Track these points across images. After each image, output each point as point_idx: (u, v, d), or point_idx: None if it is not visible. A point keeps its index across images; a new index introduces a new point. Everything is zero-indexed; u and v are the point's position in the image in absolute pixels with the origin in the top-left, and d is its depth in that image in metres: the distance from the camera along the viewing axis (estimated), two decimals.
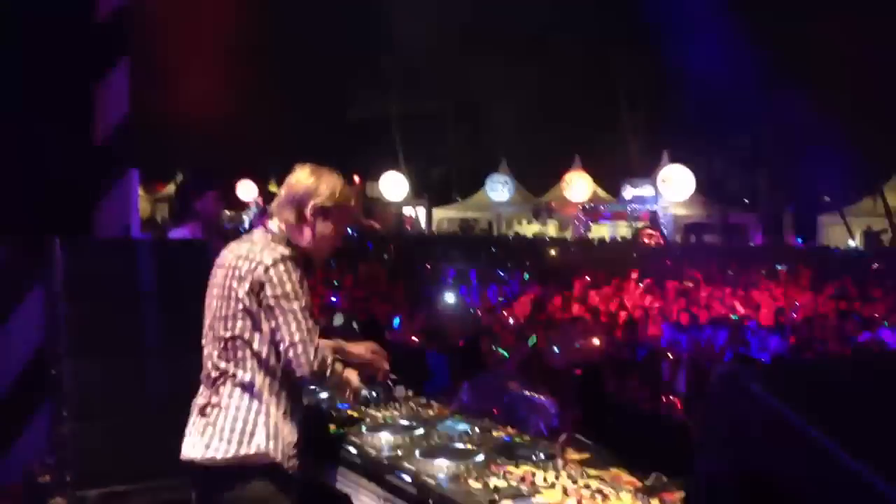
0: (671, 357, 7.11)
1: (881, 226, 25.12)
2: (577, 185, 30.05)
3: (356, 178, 35.62)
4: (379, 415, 3.85)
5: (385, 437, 3.41)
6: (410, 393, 4.21)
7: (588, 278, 13.25)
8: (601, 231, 30.29)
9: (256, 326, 3.04)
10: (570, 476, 2.99)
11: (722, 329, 9.05)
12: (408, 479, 3.03)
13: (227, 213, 29.09)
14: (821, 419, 1.74)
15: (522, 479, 2.95)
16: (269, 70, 29.31)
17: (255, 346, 3.05)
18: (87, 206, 5.69)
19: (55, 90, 5.55)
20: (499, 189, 32.39)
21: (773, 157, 27.85)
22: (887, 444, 1.78)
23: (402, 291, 12.06)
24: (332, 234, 3.25)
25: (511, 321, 9.52)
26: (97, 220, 5.71)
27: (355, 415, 3.81)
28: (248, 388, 3.04)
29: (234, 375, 3.06)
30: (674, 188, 27.27)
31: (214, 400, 3.08)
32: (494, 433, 3.58)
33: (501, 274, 14.87)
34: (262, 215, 3.56)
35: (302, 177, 3.23)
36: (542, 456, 3.21)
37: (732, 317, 10.11)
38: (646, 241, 24.17)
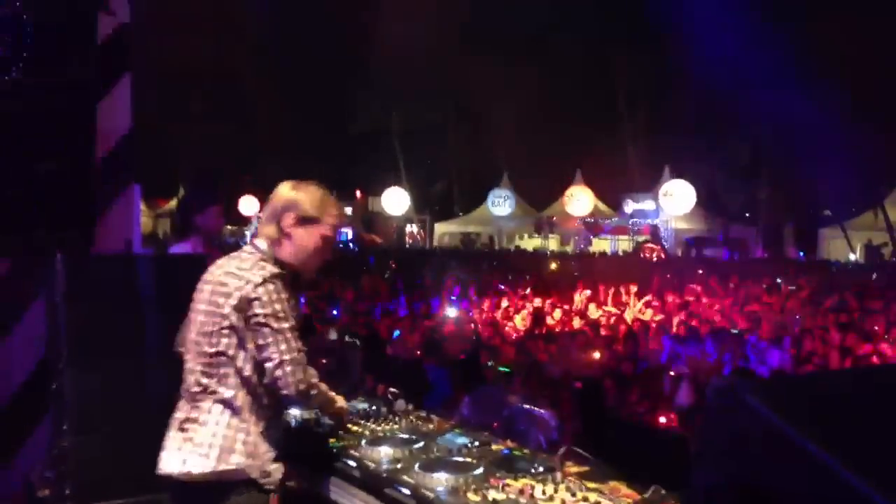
0: (671, 371, 7.11)
1: (882, 239, 25.13)
2: (579, 200, 30.11)
3: (358, 193, 35.71)
4: (378, 428, 3.85)
5: (384, 451, 3.42)
6: (410, 406, 4.21)
7: (589, 292, 13.27)
8: (602, 245, 30.31)
9: (241, 344, 3.03)
10: (568, 489, 2.99)
11: (722, 343, 9.04)
12: (407, 492, 3.03)
13: (229, 228, 29.19)
14: (817, 432, 1.75)
15: (521, 493, 2.96)
16: (271, 87, 29.44)
17: (239, 363, 3.04)
18: (89, 220, 5.71)
19: (58, 106, 5.58)
20: (500, 203, 32.45)
21: (773, 170, 27.87)
22: (885, 457, 1.79)
23: (403, 305, 12.07)
24: (315, 245, 3.21)
25: (512, 335, 9.53)
26: (99, 234, 5.72)
27: (356, 428, 3.81)
28: (228, 404, 3.04)
29: (215, 392, 3.05)
30: (675, 202, 27.31)
31: (194, 415, 3.07)
32: (494, 446, 3.57)
33: (502, 288, 14.88)
34: None
35: (283, 191, 3.23)
36: (540, 469, 3.22)
37: (733, 330, 10.10)
38: (647, 255, 24.18)
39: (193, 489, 3.03)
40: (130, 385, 4.29)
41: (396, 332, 9.28)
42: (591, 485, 3.06)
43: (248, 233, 29.04)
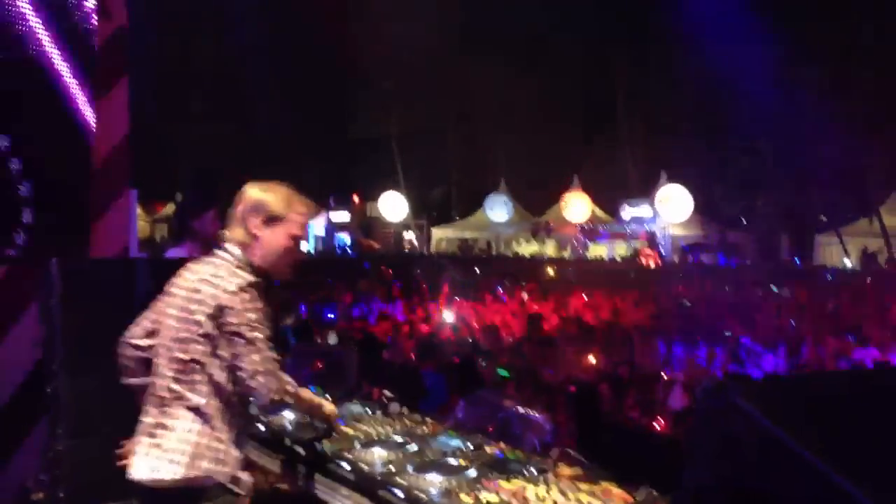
0: (666, 375, 7.12)
1: (877, 245, 25.14)
2: (576, 206, 30.15)
3: (356, 199, 35.72)
4: (373, 431, 3.86)
5: (378, 453, 3.44)
6: (405, 410, 4.23)
7: (585, 297, 13.29)
8: (599, 251, 30.31)
9: (214, 352, 3.00)
10: (561, 491, 3.01)
11: (717, 347, 9.07)
12: (400, 494, 3.05)
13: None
14: (808, 435, 1.76)
15: (514, 494, 2.97)
16: (270, 90, 29.45)
17: (211, 370, 3.01)
18: (86, 225, 5.72)
19: (55, 110, 5.59)
20: (498, 209, 32.47)
21: (770, 177, 27.89)
22: (876, 459, 1.81)
23: (399, 310, 12.08)
24: (284, 245, 3.15)
25: (508, 339, 9.54)
26: (95, 238, 5.73)
27: (350, 431, 3.83)
28: (199, 412, 3.00)
29: (186, 398, 3.01)
30: (672, 208, 27.32)
31: (164, 421, 3.02)
32: (487, 449, 3.59)
33: (499, 292, 14.90)
34: None
35: (248, 192, 3.18)
36: (533, 471, 3.24)
37: (727, 335, 10.12)
38: (643, 260, 24.22)
39: (163, 496, 2.99)
40: (125, 389, 4.29)
41: (392, 337, 9.28)
42: (584, 486, 3.08)
43: None
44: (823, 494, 1.70)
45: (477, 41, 30.63)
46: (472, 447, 3.59)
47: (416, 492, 3.01)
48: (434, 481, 3.07)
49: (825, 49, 23.80)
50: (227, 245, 3.15)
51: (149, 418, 3.09)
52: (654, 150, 29.70)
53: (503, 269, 20.90)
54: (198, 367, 3.01)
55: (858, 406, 2.01)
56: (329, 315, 11.12)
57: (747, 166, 27.92)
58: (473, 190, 34.71)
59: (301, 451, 3.68)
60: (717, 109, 25.69)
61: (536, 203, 33.22)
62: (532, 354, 7.92)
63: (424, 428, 3.97)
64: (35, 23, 5.51)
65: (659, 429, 5.90)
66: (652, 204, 28.10)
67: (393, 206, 33.23)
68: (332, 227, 35.40)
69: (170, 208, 31.03)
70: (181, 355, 3.02)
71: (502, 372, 7.15)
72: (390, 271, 18.90)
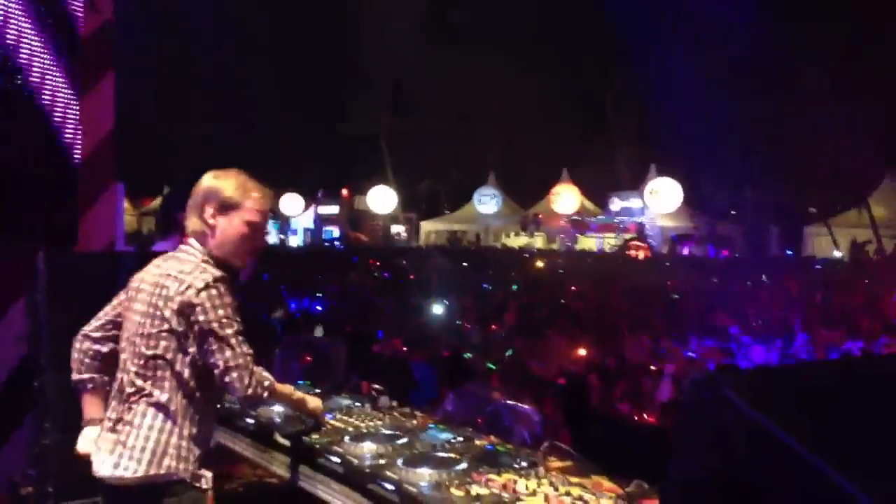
0: (655, 367, 7.13)
1: (866, 236, 25.27)
2: (565, 198, 30.23)
3: (344, 192, 35.68)
4: (362, 424, 3.86)
5: (368, 446, 3.42)
6: (394, 403, 4.22)
7: (574, 289, 13.29)
8: (588, 243, 30.39)
9: (181, 348, 2.95)
10: (551, 484, 3.01)
11: (707, 339, 9.08)
12: (390, 487, 3.04)
13: None
14: (798, 425, 1.75)
15: (504, 487, 2.96)
16: (261, 84, 29.41)
17: (177, 366, 2.96)
18: (72, 219, 5.70)
19: (41, 104, 5.56)
20: (487, 202, 32.52)
21: (760, 168, 27.98)
22: (866, 450, 1.80)
23: (388, 303, 12.07)
24: (240, 233, 3.09)
25: (498, 332, 9.54)
26: (82, 232, 5.71)
27: (339, 424, 3.82)
28: (162, 408, 2.94)
29: (150, 394, 2.96)
30: (661, 200, 27.41)
31: (127, 417, 2.96)
32: (477, 442, 3.59)
33: (487, 285, 14.90)
34: None
35: (203, 181, 3.12)
36: (523, 464, 3.23)
37: (717, 327, 10.14)
38: (633, 252, 24.27)
39: (126, 493, 2.95)
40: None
41: (382, 330, 9.27)
42: (574, 479, 3.07)
43: None
44: (813, 485, 1.69)
45: (469, 38, 30.66)
46: (461, 440, 3.58)
47: (407, 485, 3.00)
48: (424, 474, 3.06)
49: (818, 46, 23.86)
50: (190, 240, 3.10)
51: (112, 413, 3.03)
52: (644, 143, 29.75)
53: (492, 261, 20.91)
54: (163, 363, 2.96)
55: (848, 396, 2.01)
56: (317, 308, 11.10)
57: (737, 158, 28.01)
58: (463, 183, 34.75)
59: (290, 444, 3.66)
60: (706, 101, 25.74)
61: (526, 196, 33.29)
62: (521, 346, 7.92)
63: (414, 421, 3.96)
64: (21, 16, 5.47)
65: (648, 420, 5.91)
66: (641, 196, 28.17)
67: (381, 199, 33.20)
68: (321, 221, 35.41)
69: (157, 202, 30.96)
70: (146, 351, 2.97)
71: (490, 365, 7.16)
72: (378, 263, 18.89)
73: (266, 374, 3.09)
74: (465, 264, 19.02)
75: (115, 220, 6.15)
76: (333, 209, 35.46)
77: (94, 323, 3.27)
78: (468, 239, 32.44)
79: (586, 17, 29.72)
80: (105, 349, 3.22)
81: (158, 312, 2.96)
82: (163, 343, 2.95)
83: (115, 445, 2.96)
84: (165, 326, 2.95)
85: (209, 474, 3.04)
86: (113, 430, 3.00)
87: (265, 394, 3.04)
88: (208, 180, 3.11)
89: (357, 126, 35.69)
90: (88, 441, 3.17)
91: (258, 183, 3.15)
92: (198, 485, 2.98)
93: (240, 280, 3.18)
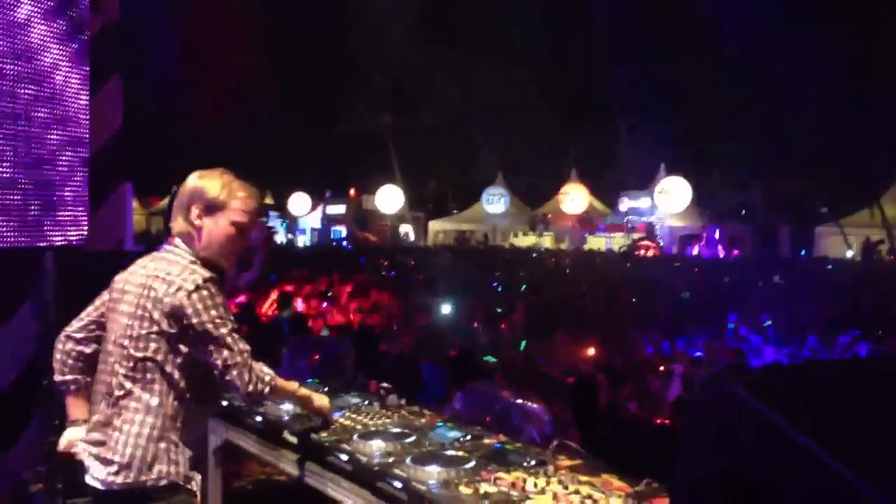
0: (664, 367, 7.11)
1: (878, 236, 25.15)
2: (574, 198, 30.19)
3: (352, 191, 35.71)
4: (371, 422, 3.85)
5: (376, 444, 3.42)
6: (402, 401, 4.22)
7: (583, 288, 13.28)
8: (597, 242, 30.32)
9: (172, 349, 2.92)
10: (560, 482, 3.00)
11: (717, 340, 9.05)
12: (399, 485, 3.04)
13: None
14: (807, 424, 1.75)
15: (513, 486, 2.96)
16: (268, 83, 29.44)
17: (168, 368, 2.92)
18: (81, 218, 5.71)
19: (50, 103, 5.58)
20: (495, 201, 32.50)
21: (770, 168, 27.88)
22: (875, 448, 1.79)
23: (396, 303, 12.06)
24: (226, 234, 3.05)
25: (506, 331, 9.53)
26: (91, 232, 5.73)
27: (347, 422, 3.82)
28: (151, 411, 2.90)
29: (139, 397, 2.91)
30: (670, 200, 27.35)
31: (116, 422, 2.92)
32: (486, 440, 3.58)
33: (496, 285, 14.88)
34: None
35: (188, 181, 3.08)
36: (532, 462, 3.23)
37: (728, 327, 10.12)
38: (642, 252, 24.23)
39: (116, 497, 2.91)
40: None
41: (389, 329, 9.27)
42: (583, 478, 3.07)
43: None
44: (822, 483, 1.69)
45: (475, 35, 30.62)
46: (470, 438, 3.57)
47: (415, 483, 3.00)
48: (433, 473, 3.05)
49: (831, 43, 23.76)
50: (175, 240, 3.06)
51: (100, 416, 2.99)
52: (653, 141, 29.68)
53: (500, 261, 20.91)
54: (153, 365, 2.91)
55: (857, 395, 2.00)
56: (325, 307, 11.10)
57: (747, 157, 27.92)
58: (471, 182, 34.72)
59: (298, 442, 3.67)
60: (718, 101, 25.69)
61: (534, 195, 33.26)
62: (530, 345, 7.91)
63: (422, 419, 3.95)
64: (32, 15, 5.49)
65: (657, 420, 5.89)
66: (651, 195, 28.11)
67: (389, 198, 33.18)
68: (329, 221, 35.42)
69: (166, 202, 31.03)
70: (135, 353, 2.92)
71: (489, 358, 7.16)
72: (386, 263, 18.89)
73: (266, 369, 3.06)
74: (473, 264, 19.01)
75: (124, 219, 6.16)
76: (341, 209, 35.47)
77: (77, 324, 3.22)
78: (476, 239, 32.42)
79: (590, 15, 29.68)
80: (88, 350, 3.18)
81: (147, 314, 2.92)
82: (152, 345, 2.91)
83: (104, 450, 2.92)
84: (155, 328, 2.90)
85: (199, 476, 3.02)
86: (102, 433, 2.95)
87: (266, 389, 3.02)
88: (193, 181, 3.07)
89: (357, 126, 35.70)
90: (71, 440, 3.13)
91: (244, 182, 3.12)
92: (189, 487, 2.95)
93: (240, 281, 3.17)
